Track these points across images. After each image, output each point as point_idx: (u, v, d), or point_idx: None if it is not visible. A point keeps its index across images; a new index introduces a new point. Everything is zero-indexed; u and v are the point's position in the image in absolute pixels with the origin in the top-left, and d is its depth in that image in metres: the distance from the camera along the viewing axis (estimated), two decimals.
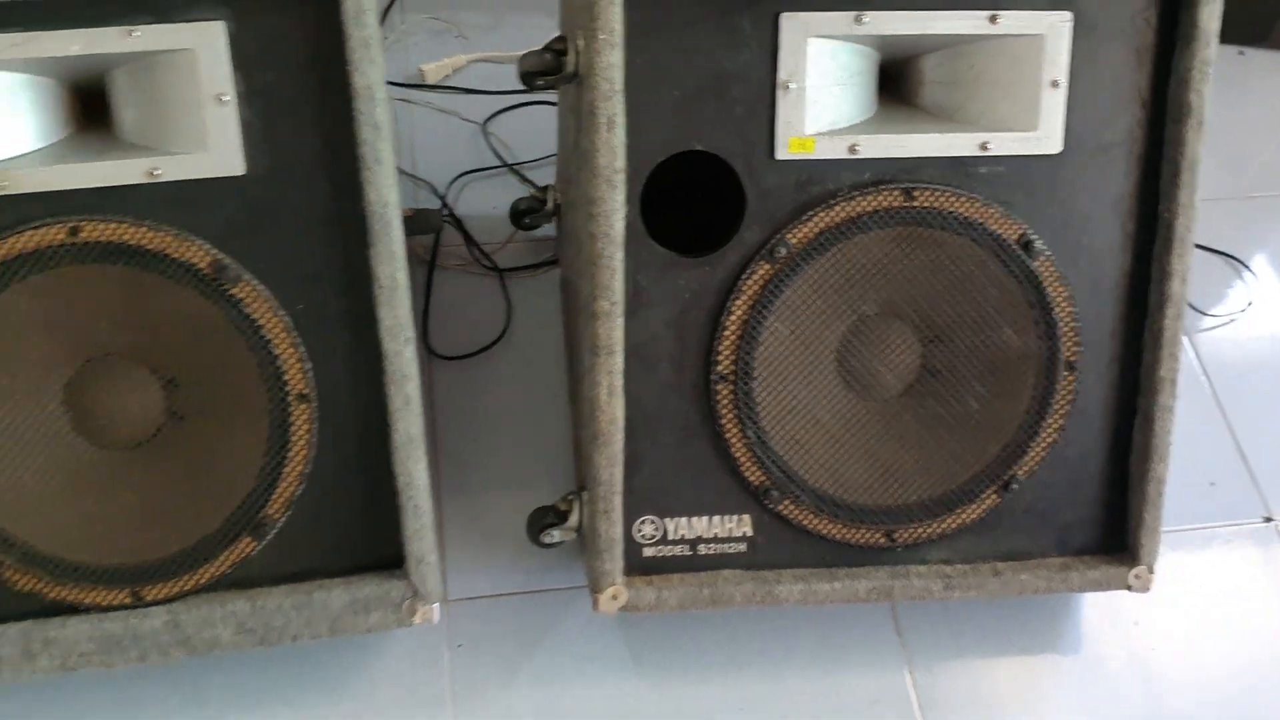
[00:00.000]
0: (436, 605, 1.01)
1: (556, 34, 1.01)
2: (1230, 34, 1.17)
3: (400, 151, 1.36)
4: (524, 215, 1.33)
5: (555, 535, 1.08)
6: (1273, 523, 1.25)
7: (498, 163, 1.48)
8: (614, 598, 1.03)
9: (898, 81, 1.04)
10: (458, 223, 1.42)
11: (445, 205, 1.44)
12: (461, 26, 1.62)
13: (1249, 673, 1.14)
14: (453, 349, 1.33)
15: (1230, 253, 1.50)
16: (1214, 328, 1.42)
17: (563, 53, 0.99)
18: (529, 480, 1.22)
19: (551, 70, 1.00)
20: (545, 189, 1.32)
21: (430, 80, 1.58)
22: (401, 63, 1.59)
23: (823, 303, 1.02)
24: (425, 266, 1.38)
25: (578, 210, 1.07)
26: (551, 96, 1.50)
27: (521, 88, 1.46)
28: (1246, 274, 1.48)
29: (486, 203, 1.44)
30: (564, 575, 1.15)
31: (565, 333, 1.31)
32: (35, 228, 0.91)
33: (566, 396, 1.27)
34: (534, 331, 1.32)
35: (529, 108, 1.52)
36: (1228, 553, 1.23)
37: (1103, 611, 1.17)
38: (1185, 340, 1.17)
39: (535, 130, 1.46)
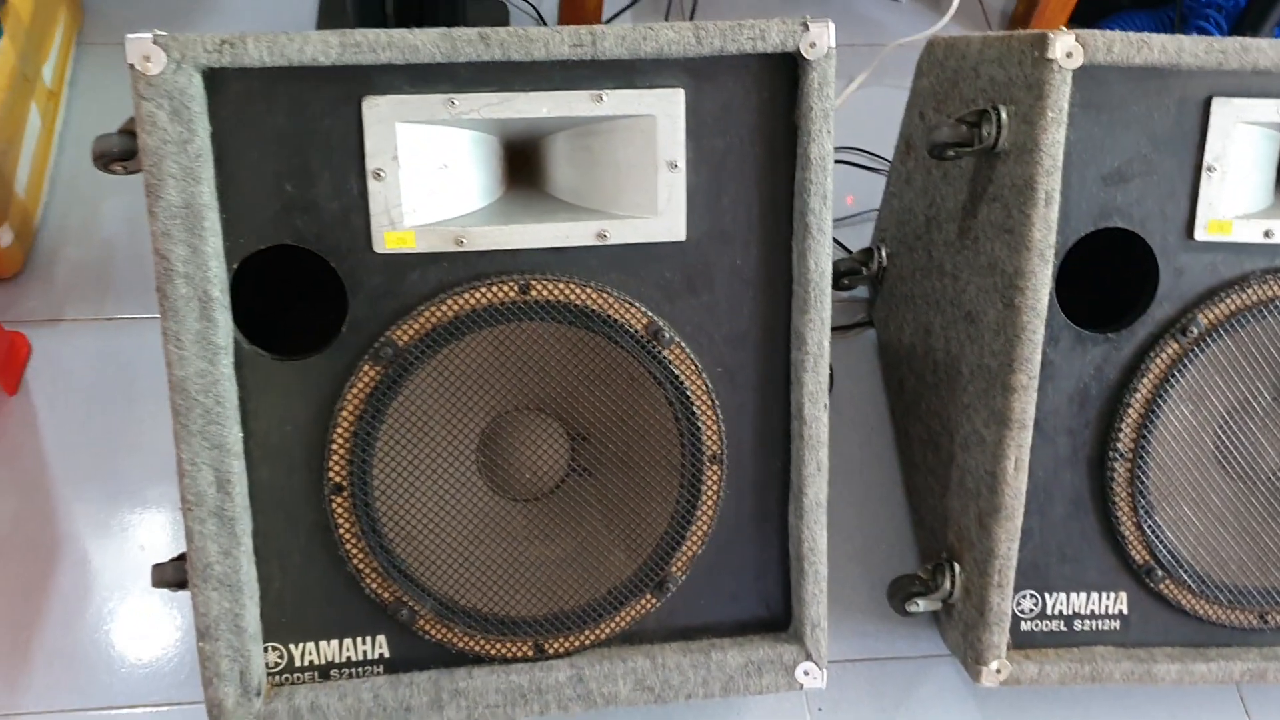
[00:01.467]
0: (826, 671, 1.01)
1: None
2: None
3: None
4: (844, 276, 1.33)
5: (920, 605, 1.08)
6: None
7: None
8: (998, 671, 1.03)
9: None
10: None
11: None
12: None
13: None
14: None
15: None
16: None
17: (976, 124, 1.00)
18: (859, 544, 1.22)
19: (966, 143, 1.00)
20: (867, 252, 1.33)
21: None
22: None
23: (1223, 384, 1.02)
24: None
25: (962, 279, 1.08)
26: (849, 156, 1.52)
27: None
28: None
29: None
30: (909, 643, 1.15)
31: (891, 399, 1.31)
32: (489, 284, 0.92)
33: (897, 461, 1.27)
34: (853, 392, 1.32)
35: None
36: None
37: None
38: None
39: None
